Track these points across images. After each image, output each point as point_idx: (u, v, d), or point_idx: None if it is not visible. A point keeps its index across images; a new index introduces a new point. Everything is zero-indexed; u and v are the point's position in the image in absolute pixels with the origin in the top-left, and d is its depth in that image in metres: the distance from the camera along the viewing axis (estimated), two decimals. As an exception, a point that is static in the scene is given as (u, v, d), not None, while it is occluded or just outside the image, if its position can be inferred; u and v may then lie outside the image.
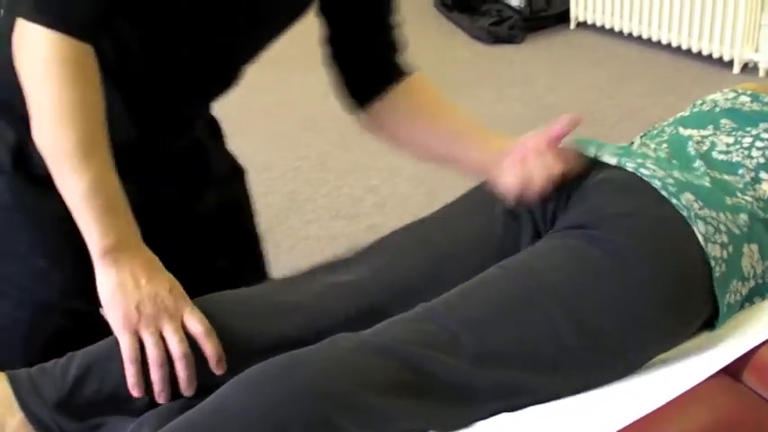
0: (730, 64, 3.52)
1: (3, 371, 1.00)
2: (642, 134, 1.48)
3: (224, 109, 1.32)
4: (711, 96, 1.46)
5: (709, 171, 1.20)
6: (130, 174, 1.04)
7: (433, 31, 4.17)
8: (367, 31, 1.25)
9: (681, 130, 1.35)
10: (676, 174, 1.15)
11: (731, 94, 1.43)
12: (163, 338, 0.96)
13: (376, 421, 0.94)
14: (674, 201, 1.09)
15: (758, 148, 1.26)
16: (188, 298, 1.00)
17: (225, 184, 1.36)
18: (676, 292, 1.04)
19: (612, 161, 1.18)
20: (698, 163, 1.23)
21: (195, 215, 1.30)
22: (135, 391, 0.96)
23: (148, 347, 0.95)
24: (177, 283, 1.01)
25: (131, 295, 0.97)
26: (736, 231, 1.09)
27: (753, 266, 1.11)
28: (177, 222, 1.27)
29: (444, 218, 1.22)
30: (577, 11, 4.04)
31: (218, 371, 0.98)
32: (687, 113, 1.43)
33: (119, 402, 0.98)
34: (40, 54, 0.98)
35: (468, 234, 1.18)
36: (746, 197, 1.16)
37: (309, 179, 2.90)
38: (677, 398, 0.99)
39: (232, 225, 1.37)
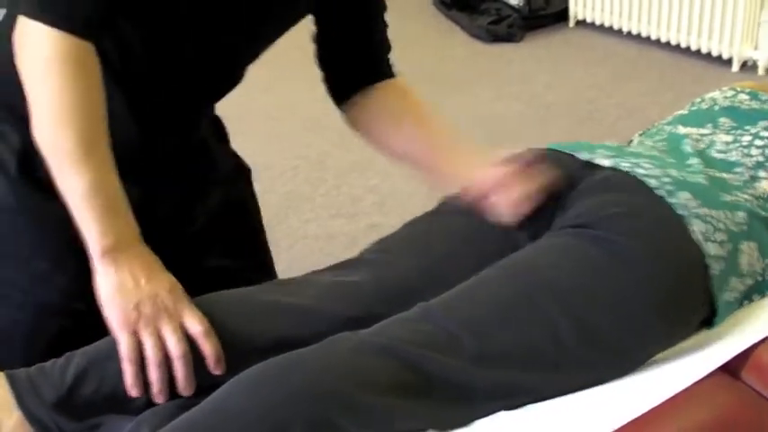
0: (729, 62, 3.52)
1: (1, 371, 1.00)
2: (641, 132, 1.48)
3: (223, 108, 1.33)
4: (710, 95, 1.46)
5: (706, 169, 1.20)
6: (134, 174, 1.04)
7: (431, 30, 4.17)
8: (355, 28, 1.26)
9: (679, 128, 1.35)
10: (673, 172, 1.15)
11: (730, 93, 1.43)
12: (162, 338, 0.96)
13: (376, 421, 0.94)
14: (671, 200, 1.09)
15: (757, 147, 1.26)
16: (188, 298, 1.00)
17: (229, 184, 1.36)
18: (674, 291, 1.04)
19: (607, 163, 1.18)
20: (693, 160, 1.23)
21: (200, 214, 1.30)
22: (133, 392, 0.96)
23: (147, 347, 0.95)
24: (177, 284, 1.01)
25: (131, 295, 0.97)
26: (735, 229, 1.09)
27: (751, 264, 1.11)
28: (182, 222, 1.27)
29: (442, 217, 1.22)
30: (576, 9, 4.04)
31: (216, 371, 0.98)
32: (686, 112, 1.43)
33: (117, 402, 0.98)
34: (42, 52, 0.98)
35: (467, 233, 1.18)
36: (745, 195, 1.16)
37: (309, 178, 2.90)
38: (676, 396, 0.99)
39: (237, 224, 1.37)
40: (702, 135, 1.31)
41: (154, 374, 0.96)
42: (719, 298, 1.07)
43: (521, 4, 4.08)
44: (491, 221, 1.17)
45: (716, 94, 1.45)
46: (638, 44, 3.81)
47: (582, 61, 3.75)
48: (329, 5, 1.23)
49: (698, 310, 1.09)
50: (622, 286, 1.03)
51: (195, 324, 0.97)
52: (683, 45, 3.63)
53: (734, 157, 1.25)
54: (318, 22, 1.26)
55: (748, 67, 3.53)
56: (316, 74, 1.32)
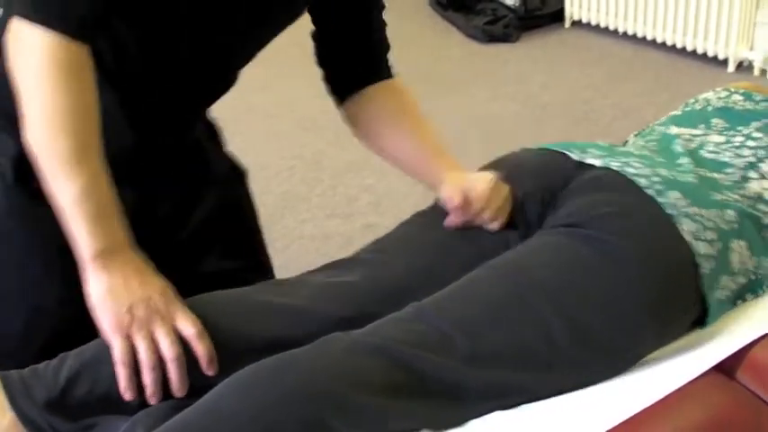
0: (725, 62, 3.52)
1: (-5, 373, 1.00)
2: (636, 133, 1.48)
3: (220, 108, 1.32)
4: (704, 95, 1.46)
5: (697, 169, 1.20)
6: (129, 176, 1.04)
7: (427, 30, 4.17)
8: (353, 28, 1.26)
9: (671, 128, 1.35)
10: (663, 171, 1.15)
11: (724, 93, 1.43)
12: (155, 341, 0.96)
13: (369, 421, 0.94)
14: (660, 199, 1.09)
15: (749, 148, 1.26)
16: (180, 300, 1.00)
17: (225, 186, 1.36)
18: (665, 290, 1.05)
19: (597, 162, 1.18)
20: (683, 159, 1.23)
21: (196, 217, 1.29)
22: (127, 395, 0.96)
23: (140, 351, 0.95)
24: (169, 286, 1.01)
25: (123, 298, 0.96)
26: (725, 227, 1.10)
27: (743, 262, 1.11)
28: (178, 224, 1.27)
29: (434, 217, 1.22)
30: (572, 10, 4.05)
31: (209, 371, 0.98)
32: (679, 113, 1.43)
33: (111, 402, 0.98)
34: (36, 57, 0.97)
35: (459, 233, 1.18)
36: (735, 195, 1.16)
37: (304, 178, 2.90)
38: (671, 395, 0.99)
39: (234, 226, 1.37)
40: (694, 135, 1.32)
41: (147, 377, 0.95)
42: (711, 297, 1.07)
43: (516, 5, 4.08)
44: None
45: (710, 94, 1.45)
46: (634, 45, 3.82)
47: (578, 62, 3.76)
48: (327, 3, 1.23)
49: (689, 310, 1.09)
50: (614, 286, 1.03)
51: (188, 326, 0.97)
52: (679, 45, 3.64)
53: (725, 157, 1.25)
54: (317, 21, 1.26)
55: (744, 67, 3.54)
56: (312, 73, 1.32)
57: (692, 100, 1.47)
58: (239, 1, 1.11)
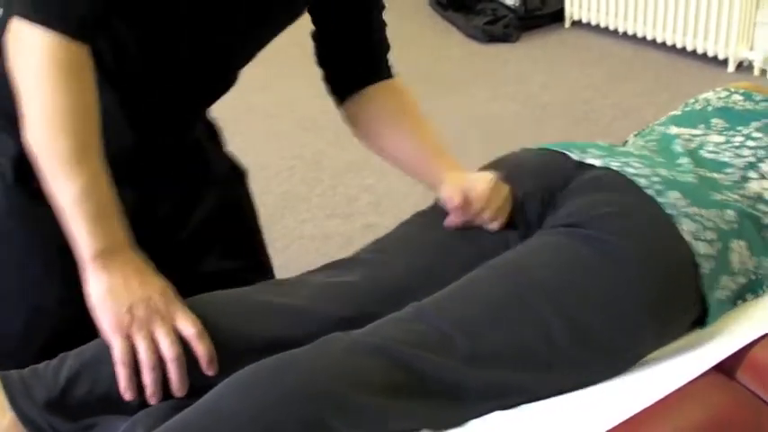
0: (725, 62, 3.52)
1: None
2: (636, 133, 1.48)
3: (220, 108, 1.32)
4: (704, 95, 1.46)
5: (696, 169, 1.20)
6: (129, 175, 1.04)
7: (427, 30, 4.17)
8: (353, 28, 1.26)
9: (671, 128, 1.35)
10: (662, 171, 1.15)
11: (724, 93, 1.43)
12: (155, 341, 0.96)
13: (369, 421, 0.94)
14: (660, 199, 1.09)
15: (749, 148, 1.26)
16: (180, 300, 1.00)
17: (225, 186, 1.36)
18: (665, 290, 1.05)
19: (597, 162, 1.18)
20: (683, 159, 1.23)
21: (196, 217, 1.29)
22: (127, 395, 0.96)
23: (140, 351, 0.95)
24: (169, 286, 1.01)
25: (122, 299, 0.96)
26: (724, 227, 1.10)
27: (743, 262, 1.11)
28: (178, 224, 1.27)
29: (434, 217, 1.22)
30: (572, 10, 4.05)
31: (209, 371, 0.98)
32: (679, 113, 1.43)
33: (111, 402, 0.98)
34: (36, 57, 0.97)
35: (458, 233, 1.18)
36: (735, 195, 1.16)
37: (305, 178, 2.90)
38: (671, 395, 0.99)
39: (234, 226, 1.37)
40: (694, 135, 1.32)
41: (147, 377, 0.95)
42: (711, 296, 1.07)
43: (516, 5, 4.08)
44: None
45: (710, 94, 1.45)
46: (634, 45, 3.81)
47: (578, 62, 3.76)
48: (327, 4, 1.23)
49: (689, 309, 1.09)
50: (614, 286, 1.03)
51: (188, 326, 0.97)
52: (679, 45, 3.64)
53: (725, 157, 1.25)
54: (317, 21, 1.26)
55: (744, 67, 3.54)
56: (312, 73, 1.32)
57: (692, 100, 1.47)
58: (239, 1, 1.11)
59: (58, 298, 1.15)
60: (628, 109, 3.27)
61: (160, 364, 0.96)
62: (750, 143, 1.27)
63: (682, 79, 3.50)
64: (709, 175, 1.20)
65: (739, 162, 1.23)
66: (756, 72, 3.47)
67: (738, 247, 1.11)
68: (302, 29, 1.28)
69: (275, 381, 0.92)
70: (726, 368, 1.05)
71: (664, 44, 3.70)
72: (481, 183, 1.18)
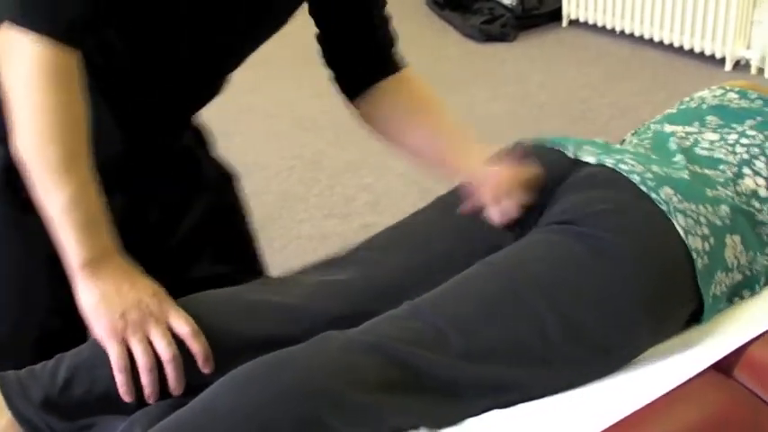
0: (722, 61, 3.53)
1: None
2: (633, 131, 1.48)
3: (220, 109, 1.32)
4: (699, 93, 1.46)
5: (689, 165, 1.20)
6: (119, 181, 1.03)
7: (425, 30, 4.17)
8: (355, 27, 1.26)
9: (666, 126, 1.35)
10: (655, 168, 1.15)
11: (719, 91, 1.44)
12: (151, 343, 0.96)
13: (365, 419, 0.94)
14: (653, 195, 1.09)
15: (743, 145, 1.26)
16: (172, 301, 1.00)
17: (215, 191, 1.35)
18: (659, 286, 1.05)
19: (592, 159, 1.18)
20: (678, 157, 1.23)
21: (187, 222, 1.29)
22: (126, 398, 0.96)
23: (137, 354, 0.95)
24: (160, 288, 1.01)
25: (115, 304, 0.96)
26: (718, 223, 1.10)
27: (736, 257, 1.11)
28: (169, 230, 1.27)
29: (429, 216, 1.22)
30: (569, 9, 4.05)
31: (205, 369, 0.98)
32: (674, 111, 1.43)
33: (109, 402, 0.98)
34: (25, 65, 0.96)
35: (454, 231, 1.18)
36: (728, 191, 1.16)
37: (303, 178, 2.90)
38: (668, 394, 0.99)
39: (225, 230, 1.37)
40: (689, 133, 1.32)
41: (145, 379, 0.96)
42: (706, 292, 1.08)
43: (514, 4, 4.08)
44: (479, 219, 1.18)
45: (705, 92, 1.45)
46: (631, 43, 3.82)
47: (575, 61, 3.76)
48: (327, 5, 1.22)
49: (685, 306, 1.09)
50: (608, 283, 1.03)
51: (182, 325, 0.97)
52: (676, 44, 3.64)
53: (719, 154, 1.25)
54: (319, 23, 1.26)
55: (741, 66, 3.54)
56: (311, 73, 1.31)
57: (688, 98, 1.47)
58: (239, 1, 1.10)
59: (46, 306, 1.15)
60: (625, 108, 3.27)
61: (157, 364, 0.96)
62: (744, 140, 1.27)
63: (679, 78, 3.50)
64: (702, 171, 1.20)
65: (733, 159, 1.24)
66: (753, 71, 3.48)
67: (732, 243, 1.11)
68: (301, 29, 1.28)
69: (271, 378, 0.92)
70: (723, 366, 1.05)
71: (661, 43, 3.70)
72: (498, 169, 1.17)
